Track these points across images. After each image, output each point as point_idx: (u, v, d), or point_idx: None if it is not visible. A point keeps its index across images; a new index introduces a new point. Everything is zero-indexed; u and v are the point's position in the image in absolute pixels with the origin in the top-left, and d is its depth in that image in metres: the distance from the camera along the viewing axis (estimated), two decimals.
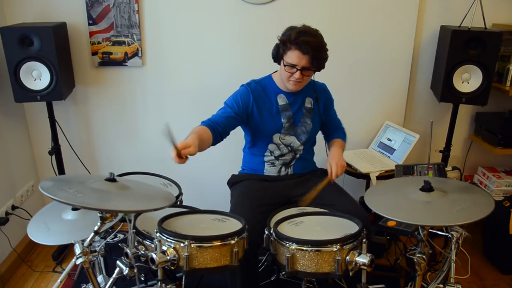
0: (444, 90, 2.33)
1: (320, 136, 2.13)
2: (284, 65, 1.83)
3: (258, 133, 1.99)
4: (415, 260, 1.50)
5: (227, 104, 1.94)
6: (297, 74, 1.81)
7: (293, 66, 1.80)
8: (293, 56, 1.79)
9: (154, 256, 1.41)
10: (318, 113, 2.02)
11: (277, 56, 1.87)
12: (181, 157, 1.48)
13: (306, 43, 1.74)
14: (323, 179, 1.87)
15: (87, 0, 2.42)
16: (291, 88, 1.90)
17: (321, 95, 2.03)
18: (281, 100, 1.97)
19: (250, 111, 1.94)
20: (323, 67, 1.88)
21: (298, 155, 2.03)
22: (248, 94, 1.94)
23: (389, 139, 2.59)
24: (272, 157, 2.02)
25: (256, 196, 1.90)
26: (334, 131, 2.16)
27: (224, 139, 1.89)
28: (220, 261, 1.45)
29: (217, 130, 1.82)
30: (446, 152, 2.56)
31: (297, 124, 1.99)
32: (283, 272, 1.65)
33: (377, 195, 1.57)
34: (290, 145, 2.00)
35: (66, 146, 2.62)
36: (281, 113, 1.96)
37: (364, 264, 1.44)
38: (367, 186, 2.52)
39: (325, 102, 2.06)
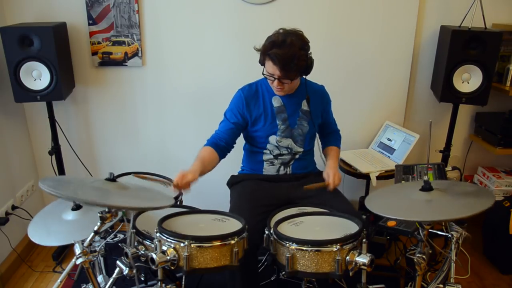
0: (444, 90, 2.33)
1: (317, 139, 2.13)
2: (264, 74, 1.87)
3: (256, 135, 2.00)
4: (415, 260, 1.50)
5: (225, 117, 2.00)
6: (275, 83, 1.85)
7: (270, 75, 1.83)
8: (268, 67, 1.83)
9: (154, 256, 1.41)
10: (312, 115, 2.01)
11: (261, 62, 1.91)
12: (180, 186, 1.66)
13: (275, 55, 1.75)
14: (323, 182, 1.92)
15: (87, 0, 2.42)
16: (277, 94, 1.94)
17: (315, 96, 2.02)
18: (276, 102, 1.97)
19: (247, 117, 1.97)
20: (306, 72, 1.87)
21: (297, 156, 2.03)
22: (241, 100, 1.97)
23: (389, 139, 2.59)
24: (271, 156, 2.02)
25: (255, 197, 1.91)
26: (329, 132, 2.18)
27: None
28: (220, 261, 1.45)
29: (220, 145, 1.92)
30: (446, 152, 2.56)
31: (294, 127, 1.99)
32: (283, 272, 1.65)
33: (377, 198, 1.57)
34: (288, 147, 2.00)
35: (66, 146, 2.62)
36: (276, 115, 1.97)
37: (364, 264, 1.44)
38: (367, 186, 2.52)
39: (322, 103, 2.05)
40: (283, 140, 1.99)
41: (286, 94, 1.93)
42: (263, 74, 1.87)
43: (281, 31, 1.82)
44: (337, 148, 2.14)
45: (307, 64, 1.84)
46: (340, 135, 2.22)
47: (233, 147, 1.99)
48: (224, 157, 1.96)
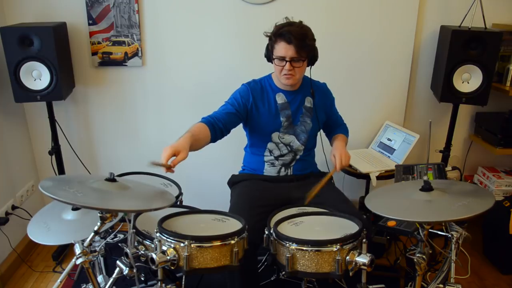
0: (444, 90, 2.33)
1: (319, 138, 2.13)
2: (274, 59, 1.86)
3: (258, 131, 2.00)
4: (415, 260, 1.50)
5: (227, 102, 1.96)
6: (287, 66, 1.83)
7: (282, 58, 1.83)
8: (280, 49, 1.82)
9: (154, 256, 1.41)
10: (316, 112, 2.02)
11: (268, 54, 1.90)
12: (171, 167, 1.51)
13: (289, 33, 1.78)
14: (327, 173, 1.90)
15: (87, 0, 2.42)
16: (285, 83, 1.92)
17: (318, 93, 2.03)
18: (280, 99, 1.97)
19: (249, 109, 1.95)
20: (314, 59, 1.90)
21: (298, 156, 2.03)
22: (248, 92, 1.95)
23: (389, 139, 2.59)
24: (272, 157, 2.02)
25: (255, 196, 1.91)
26: (336, 128, 2.18)
27: (225, 137, 1.90)
28: (220, 261, 1.45)
29: (217, 126, 1.83)
30: (446, 152, 2.56)
31: (297, 124, 1.99)
32: (283, 272, 1.65)
33: (377, 197, 1.57)
34: (289, 144, 2.00)
35: (66, 146, 2.62)
36: (280, 112, 1.97)
37: (364, 264, 1.44)
38: (367, 186, 2.53)
39: (325, 101, 2.06)
40: (286, 137, 1.99)
41: (294, 83, 1.92)
42: (272, 60, 1.87)
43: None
44: (344, 135, 2.12)
45: (315, 51, 1.88)
46: (348, 129, 2.22)
47: (227, 133, 1.89)
48: (215, 140, 1.83)
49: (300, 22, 1.85)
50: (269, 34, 1.87)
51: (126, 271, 1.48)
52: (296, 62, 1.83)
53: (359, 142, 2.71)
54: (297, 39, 1.78)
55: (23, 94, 2.24)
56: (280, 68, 1.86)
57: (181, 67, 2.58)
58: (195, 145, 1.66)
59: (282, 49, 1.81)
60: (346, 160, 1.86)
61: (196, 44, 2.53)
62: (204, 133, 1.76)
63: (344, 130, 2.19)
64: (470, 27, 2.28)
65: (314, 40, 1.87)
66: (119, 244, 1.57)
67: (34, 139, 2.70)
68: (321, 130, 2.16)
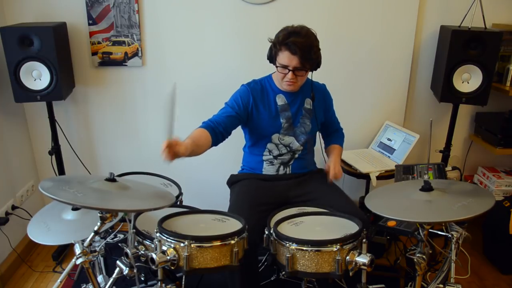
0: (444, 90, 2.33)
1: (318, 138, 2.13)
2: (277, 66, 1.85)
3: (257, 132, 2.00)
4: (415, 260, 1.50)
5: (227, 104, 1.96)
6: (289, 75, 1.83)
7: (285, 67, 1.82)
8: (283, 57, 1.80)
9: (154, 256, 1.41)
10: (316, 114, 2.02)
11: (271, 57, 1.89)
12: (170, 147, 1.51)
13: (294, 44, 1.75)
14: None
15: (87, 0, 2.42)
16: (286, 89, 1.92)
17: (317, 94, 2.03)
18: (280, 100, 1.97)
19: (250, 111, 1.95)
20: (318, 66, 1.89)
21: (297, 155, 2.03)
22: (248, 93, 1.95)
23: (389, 139, 2.59)
24: (271, 156, 2.02)
25: (255, 195, 1.91)
26: (332, 132, 2.18)
27: (226, 139, 1.90)
28: (220, 261, 1.45)
29: (218, 130, 1.84)
30: (446, 152, 2.56)
31: (296, 125, 1.99)
32: (283, 272, 1.65)
33: (377, 197, 1.57)
34: (289, 145, 2.00)
35: (66, 146, 2.62)
36: (280, 114, 1.97)
37: (364, 264, 1.44)
38: (367, 186, 2.53)
39: (324, 102, 2.06)
40: (286, 138, 1.99)
41: (295, 89, 1.92)
42: (277, 66, 1.86)
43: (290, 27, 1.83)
44: (340, 147, 2.14)
45: (319, 59, 1.87)
46: (344, 134, 2.22)
47: (228, 135, 1.90)
48: (216, 144, 1.84)
49: (307, 31, 1.80)
50: (274, 41, 1.83)
51: (126, 271, 1.48)
52: (299, 71, 1.83)
53: (359, 142, 2.71)
54: (302, 50, 1.76)
55: (23, 94, 2.24)
56: (282, 75, 1.86)
57: (181, 67, 2.58)
58: (196, 150, 1.68)
59: (286, 58, 1.79)
60: (339, 173, 1.96)
61: (196, 44, 2.53)
62: (205, 138, 1.77)
63: (340, 139, 2.19)
64: (470, 27, 2.28)
65: (319, 50, 1.85)
66: (119, 244, 1.57)
67: (34, 139, 2.70)
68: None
